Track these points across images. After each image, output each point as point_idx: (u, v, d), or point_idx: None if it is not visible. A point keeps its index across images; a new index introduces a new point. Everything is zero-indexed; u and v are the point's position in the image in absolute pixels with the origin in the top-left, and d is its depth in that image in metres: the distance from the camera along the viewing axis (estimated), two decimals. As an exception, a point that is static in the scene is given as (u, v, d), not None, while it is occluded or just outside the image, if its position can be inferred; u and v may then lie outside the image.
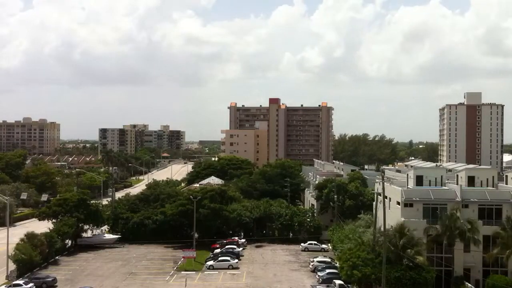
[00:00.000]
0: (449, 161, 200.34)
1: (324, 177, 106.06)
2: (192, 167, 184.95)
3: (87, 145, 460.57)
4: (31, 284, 63.70)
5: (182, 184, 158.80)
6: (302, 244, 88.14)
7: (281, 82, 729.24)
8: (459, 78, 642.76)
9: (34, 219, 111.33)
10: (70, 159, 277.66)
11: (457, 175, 77.18)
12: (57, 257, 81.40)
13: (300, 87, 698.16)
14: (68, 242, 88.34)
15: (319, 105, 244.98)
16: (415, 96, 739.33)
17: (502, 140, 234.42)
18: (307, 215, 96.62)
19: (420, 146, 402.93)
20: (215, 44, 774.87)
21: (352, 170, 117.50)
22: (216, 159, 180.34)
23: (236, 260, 76.41)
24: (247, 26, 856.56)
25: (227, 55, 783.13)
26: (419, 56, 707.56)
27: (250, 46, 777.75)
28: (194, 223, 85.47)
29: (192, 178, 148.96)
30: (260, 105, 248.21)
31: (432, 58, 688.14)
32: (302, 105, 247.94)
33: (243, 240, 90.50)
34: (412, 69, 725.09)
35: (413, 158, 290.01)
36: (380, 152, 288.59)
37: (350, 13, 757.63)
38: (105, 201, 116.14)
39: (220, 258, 76.06)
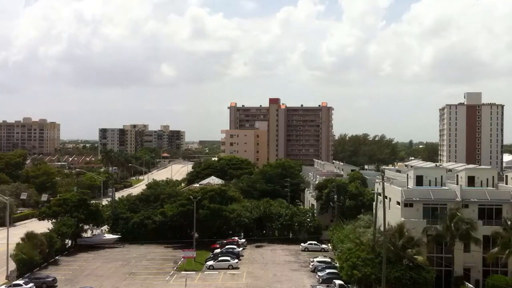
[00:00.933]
0: (449, 161, 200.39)
1: (324, 177, 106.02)
2: (192, 167, 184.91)
3: (87, 145, 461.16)
4: (31, 284, 63.71)
5: (182, 184, 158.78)
6: (302, 244, 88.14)
7: (282, 82, 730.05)
8: (466, 78, 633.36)
9: (34, 219, 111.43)
10: (70, 159, 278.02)
11: (457, 175, 77.25)
12: (57, 257, 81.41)
13: (301, 87, 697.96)
14: (68, 242, 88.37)
15: (319, 105, 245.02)
16: (418, 96, 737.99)
17: (502, 140, 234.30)
18: (307, 215, 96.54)
19: (420, 146, 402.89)
20: (219, 42, 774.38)
21: (352, 170, 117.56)
22: (216, 159, 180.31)
23: (236, 260, 76.40)
24: (251, 24, 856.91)
25: (228, 55, 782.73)
26: (426, 53, 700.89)
27: (253, 45, 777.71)
28: (194, 223, 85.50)
29: (192, 178, 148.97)
30: (260, 105, 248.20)
31: (439, 56, 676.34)
32: (302, 105, 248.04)
33: (243, 240, 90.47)
34: (417, 68, 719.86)
35: (413, 158, 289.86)
36: (380, 152, 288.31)
37: (361, 8, 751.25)
38: (105, 201, 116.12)
39: (220, 258, 76.05)
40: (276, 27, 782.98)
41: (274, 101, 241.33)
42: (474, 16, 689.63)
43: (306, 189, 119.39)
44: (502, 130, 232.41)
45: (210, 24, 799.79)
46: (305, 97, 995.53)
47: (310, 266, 74.05)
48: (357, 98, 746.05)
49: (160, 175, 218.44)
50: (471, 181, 73.63)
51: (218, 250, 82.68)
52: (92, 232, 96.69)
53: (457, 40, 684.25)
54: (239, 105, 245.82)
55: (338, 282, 63.44)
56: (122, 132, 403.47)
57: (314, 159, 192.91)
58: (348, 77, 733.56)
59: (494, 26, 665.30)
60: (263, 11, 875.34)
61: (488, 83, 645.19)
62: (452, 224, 60.65)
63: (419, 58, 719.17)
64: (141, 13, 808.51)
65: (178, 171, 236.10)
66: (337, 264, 69.64)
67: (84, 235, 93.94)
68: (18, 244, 73.04)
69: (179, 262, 77.35)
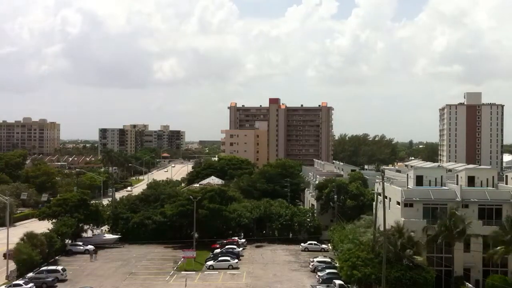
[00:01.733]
0: (449, 161, 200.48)
1: (324, 177, 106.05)
2: (192, 167, 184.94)
3: (87, 145, 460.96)
4: (31, 284, 63.71)
5: (182, 184, 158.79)
6: (302, 244, 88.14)
7: (282, 83, 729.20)
8: (471, 78, 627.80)
9: (34, 219, 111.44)
10: (70, 159, 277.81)
11: (457, 175, 77.17)
12: (57, 257, 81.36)
13: (302, 87, 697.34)
14: (68, 242, 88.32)
15: (319, 105, 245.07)
16: (419, 95, 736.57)
17: (502, 140, 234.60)
18: (307, 215, 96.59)
19: (420, 146, 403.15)
20: (221, 41, 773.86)
21: (352, 170, 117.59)
22: (216, 159, 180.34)
23: (236, 260, 76.40)
24: (255, 22, 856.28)
25: (229, 54, 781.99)
26: (429, 53, 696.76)
27: (255, 44, 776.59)
28: (194, 223, 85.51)
29: (192, 178, 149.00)
30: (260, 105, 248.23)
31: (444, 55, 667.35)
32: (302, 105, 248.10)
33: (243, 240, 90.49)
34: (418, 68, 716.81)
35: (413, 158, 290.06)
36: (380, 152, 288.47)
37: (366, 8, 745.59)
38: (105, 201, 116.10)
39: (220, 258, 76.05)
40: (282, 26, 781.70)
41: (274, 101, 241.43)
42: (487, 12, 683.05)
43: (306, 189, 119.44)
44: (502, 130, 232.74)
45: (213, 23, 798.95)
46: (305, 97, 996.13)
47: (310, 266, 74.06)
48: (357, 98, 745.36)
49: (160, 175, 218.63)
50: (471, 181, 73.54)
51: (218, 250, 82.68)
52: (92, 232, 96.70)
53: (466, 38, 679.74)
54: (239, 105, 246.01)
55: (338, 282, 63.42)
56: (122, 132, 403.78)
57: (314, 159, 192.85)
58: (349, 77, 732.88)
59: (508, 24, 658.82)
60: (269, 10, 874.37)
61: (494, 83, 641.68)
62: (452, 224, 60.61)
63: (421, 57, 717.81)
64: (143, 9, 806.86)
65: (178, 171, 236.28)
66: (337, 264, 69.61)
67: (84, 235, 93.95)
68: (17, 244, 72.98)
69: (179, 262, 77.32)
